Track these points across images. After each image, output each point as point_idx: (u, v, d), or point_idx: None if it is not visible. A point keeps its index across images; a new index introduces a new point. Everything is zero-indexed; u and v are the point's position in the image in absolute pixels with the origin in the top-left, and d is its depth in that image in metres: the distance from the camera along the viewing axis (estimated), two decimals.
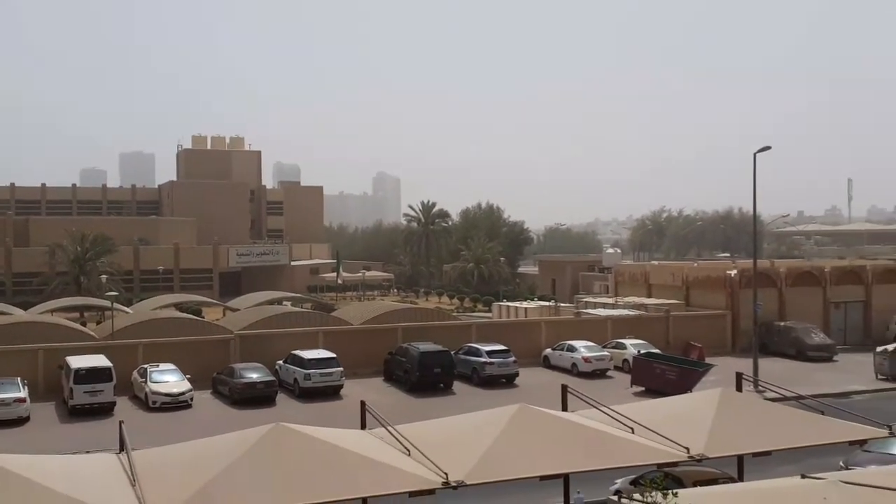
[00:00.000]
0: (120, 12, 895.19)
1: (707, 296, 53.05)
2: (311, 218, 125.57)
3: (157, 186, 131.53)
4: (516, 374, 40.95)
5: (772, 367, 41.94)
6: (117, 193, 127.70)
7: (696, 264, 63.96)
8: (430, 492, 13.29)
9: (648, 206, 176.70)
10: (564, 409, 18.58)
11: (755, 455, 16.01)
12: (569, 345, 44.18)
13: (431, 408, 32.89)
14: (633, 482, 19.11)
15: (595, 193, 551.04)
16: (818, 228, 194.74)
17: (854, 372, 42.96)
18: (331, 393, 37.85)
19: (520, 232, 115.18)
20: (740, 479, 17.53)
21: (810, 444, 16.07)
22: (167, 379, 36.47)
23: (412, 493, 13.19)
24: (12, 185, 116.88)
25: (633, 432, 15.80)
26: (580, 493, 19.05)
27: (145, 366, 37.60)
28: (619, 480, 20.32)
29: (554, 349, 45.16)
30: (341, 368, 38.50)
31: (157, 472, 13.40)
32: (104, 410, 34.44)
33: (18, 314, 54.68)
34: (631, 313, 51.51)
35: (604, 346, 44.77)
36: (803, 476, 13.24)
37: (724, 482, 17.22)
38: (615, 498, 16.69)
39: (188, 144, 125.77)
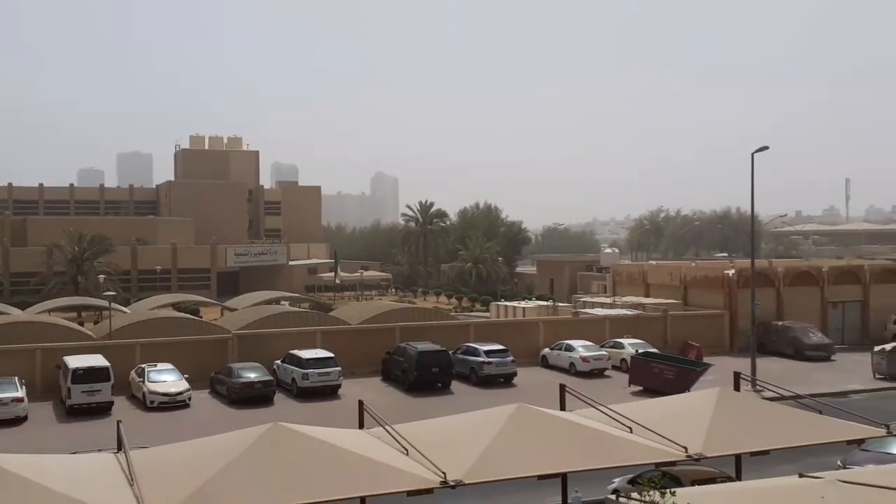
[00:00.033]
0: (118, 12, 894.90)
1: (705, 295, 53.08)
2: (309, 218, 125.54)
3: (154, 186, 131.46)
4: (514, 374, 40.94)
5: (770, 367, 41.96)
6: (115, 193, 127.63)
7: (693, 264, 63.98)
8: (429, 491, 13.29)
9: (646, 206, 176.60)
10: (562, 408, 18.58)
11: (753, 454, 16.03)
12: (567, 344, 44.18)
13: (429, 407, 32.88)
14: (631, 481, 19.12)
15: (593, 193, 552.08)
16: (816, 228, 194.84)
17: (852, 371, 42.99)
18: (329, 392, 37.83)
19: (518, 232, 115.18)
20: (738, 478, 17.55)
21: (808, 443, 16.09)
22: (165, 379, 36.44)
23: (410, 493, 13.20)
24: (10, 184, 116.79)
25: (631, 432, 15.81)
26: (578, 493, 19.05)
27: (143, 365, 37.57)
28: (616, 480, 20.34)
29: (552, 349, 45.16)
30: (339, 368, 38.48)
31: (155, 471, 13.39)
32: (102, 410, 34.40)
33: (16, 314, 54.64)
34: (629, 313, 51.53)
35: (602, 346, 44.77)
36: (801, 475, 13.24)
37: (721, 481, 17.23)
38: (613, 497, 16.75)
39: (186, 144, 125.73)
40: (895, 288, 54.46)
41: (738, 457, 17.36)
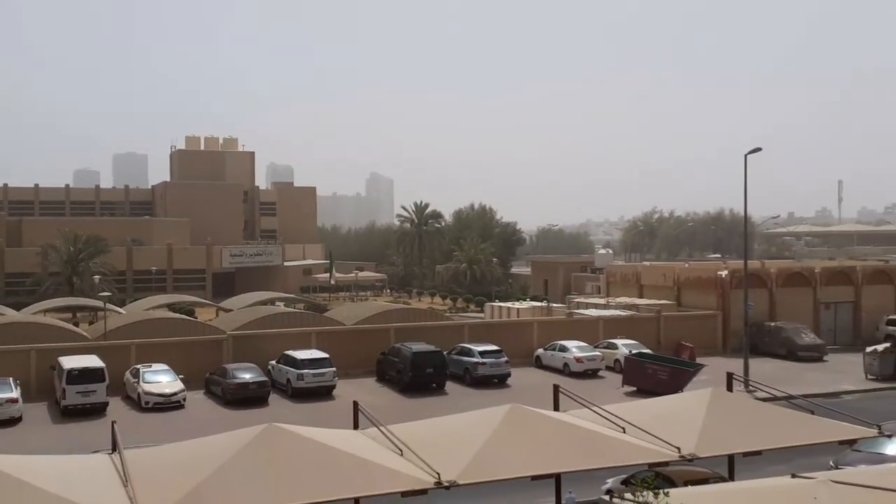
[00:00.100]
0: (114, 12, 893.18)
1: (698, 296, 53.19)
2: (305, 219, 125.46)
3: (150, 187, 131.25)
4: (508, 375, 40.99)
5: (762, 367, 42.08)
6: (110, 194, 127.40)
7: (687, 265, 64.05)
8: (423, 492, 13.32)
9: (640, 208, 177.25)
10: (556, 408, 18.62)
11: (746, 455, 16.09)
12: (561, 345, 44.25)
13: (424, 408, 32.92)
14: (625, 482, 19.18)
15: (587, 195, 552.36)
16: (809, 230, 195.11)
17: (844, 372, 43.12)
18: (323, 393, 37.84)
19: (512, 233, 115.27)
20: (731, 478, 17.61)
21: (800, 443, 16.14)
22: (160, 379, 36.40)
23: (404, 493, 13.22)
24: (5, 185, 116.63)
25: (624, 432, 15.86)
26: (572, 493, 19.11)
27: (138, 366, 37.53)
28: (610, 480, 20.40)
29: (546, 349, 45.22)
30: (334, 369, 38.49)
31: (150, 472, 13.40)
32: (96, 411, 34.35)
33: (11, 314, 54.52)
34: (622, 314, 51.60)
35: (595, 347, 44.84)
36: (793, 475, 13.30)
37: (714, 482, 17.30)
38: (607, 497, 16.79)
39: (181, 145, 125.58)
40: (887, 289, 54.68)
41: (730, 457, 17.42)
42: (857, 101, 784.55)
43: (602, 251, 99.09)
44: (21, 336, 40.91)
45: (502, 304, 65.25)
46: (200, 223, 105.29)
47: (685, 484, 17.16)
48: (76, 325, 55.76)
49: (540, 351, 45.64)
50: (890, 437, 19.10)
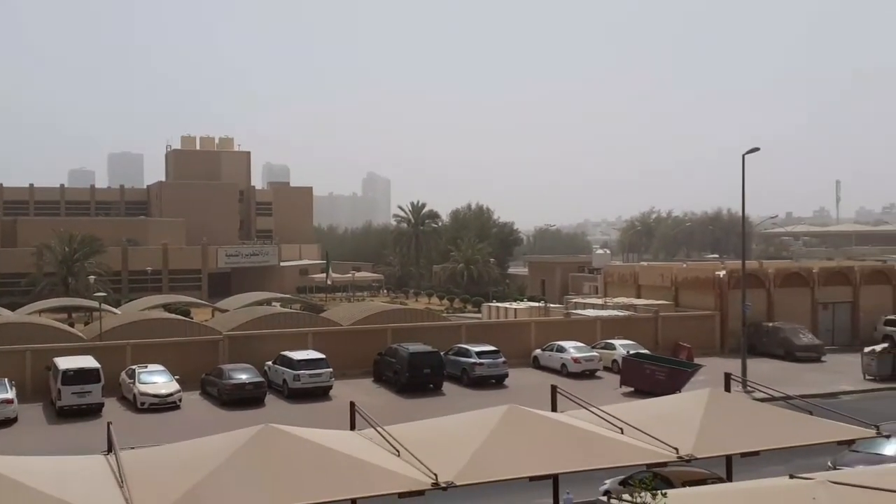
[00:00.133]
0: (110, 12, 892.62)
1: (696, 296, 53.18)
2: (301, 219, 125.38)
3: (145, 187, 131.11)
4: (506, 375, 40.94)
5: (760, 368, 42.07)
6: (106, 194, 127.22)
7: (685, 265, 64.07)
8: (420, 493, 13.26)
9: (638, 208, 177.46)
10: (554, 409, 18.57)
11: (744, 455, 16.04)
12: (558, 345, 44.21)
13: (421, 409, 32.85)
14: (623, 482, 19.13)
15: (584, 195, 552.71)
16: (806, 230, 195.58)
17: (842, 372, 43.12)
18: (320, 394, 37.77)
19: (510, 233, 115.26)
20: (729, 479, 17.57)
21: (798, 444, 16.11)
22: (155, 380, 36.31)
23: (401, 495, 13.16)
24: (0, 185, 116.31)
25: (622, 433, 15.81)
26: (569, 494, 19.05)
27: (133, 367, 37.44)
28: (608, 481, 20.34)
29: (543, 350, 45.17)
30: (330, 369, 38.41)
31: (146, 473, 13.34)
32: (92, 412, 34.27)
33: (6, 315, 54.35)
34: (620, 314, 51.58)
35: (593, 347, 44.81)
36: (792, 476, 13.26)
37: (712, 482, 17.25)
38: (604, 498, 16.71)
39: (177, 145, 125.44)
40: (885, 289, 54.71)
41: (728, 458, 17.38)
42: (856, 101, 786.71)
43: (600, 251, 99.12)
44: (16, 336, 40.79)
45: (499, 304, 65.25)
46: (196, 223, 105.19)
47: (683, 484, 17.12)
48: (71, 325, 55.62)
49: (537, 351, 45.60)
50: (888, 437, 19.07)
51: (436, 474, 13.30)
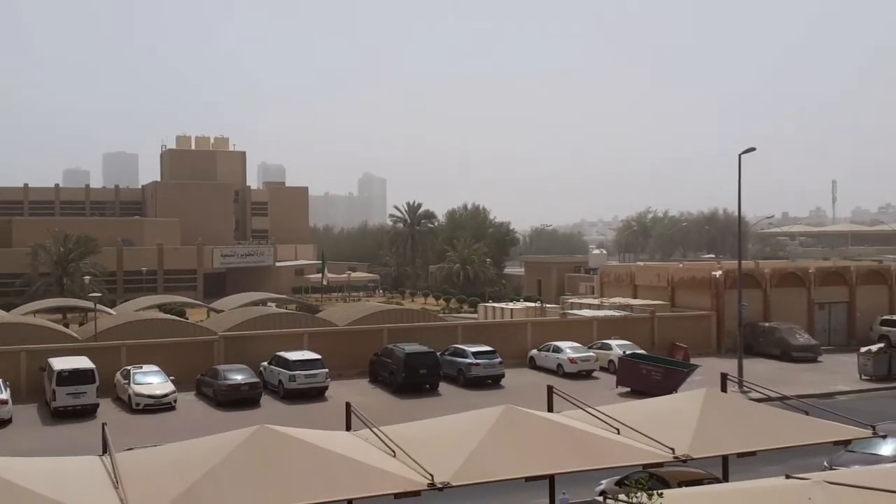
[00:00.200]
0: (106, 11, 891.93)
1: (692, 296, 53.21)
2: (296, 219, 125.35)
3: (140, 187, 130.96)
4: (502, 375, 40.93)
5: (756, 368, 42.11)
6: (100, 194, 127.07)
7: (681, 265, 64.10)
8: (416, 493, 13.23)
9: (634, 207, 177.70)
10: (550, 409, 18.55)
11: (740, 455, 16.04)
12: (554, 346, 44.20)
13: (417, 409, 32.81)
14: (619, 483, 19.11)
15: (581, 195, 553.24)
16: (803, 230, 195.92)
17: (838, 372, 43.17)
18: (315, 394, 37.71)
19: (506, 233, 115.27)
20: (725, 479, 17.56)
21: (795, 444, 16.10)
22: (150, 381, 36.23)
23: (397, 495, 13.13)
24: None
25: (618, 433, 15.80)
26: (566, 494, 19.02)
27: (128, 367, 37.36)
28: (604, 481, 20.33)
29: (540, 350, 45.17)
30: (326, 370, 38.37)
31: (141, 474, 13.30)
32: (87, 412, 34.17)
33: (0, 315, 54.24)
34: (616, 314, 51.60)
35: (589, 347, 44.82)
36: (788, 476, 13.25)
37: (709, 482, 17.24)
38: (600, 499, 16.68)
39: (172, 145, 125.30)
40: (881, 289, 54.79)
41: (724, 458, 17.37)
42: (852, 101, 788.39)
43: (596, 251, 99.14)
44: (11, 337, 40.70)
45: (496, 304, 65.22)
46: (191, 223, 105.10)
47: (679, 485, 17.12)
48: (66, 325, 55.54)
49: (534, 352, 45.60)
50: (884, 437, 19.07)
51: (432, 475, 13.28)
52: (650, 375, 37.31)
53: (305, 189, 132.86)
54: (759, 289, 51.69)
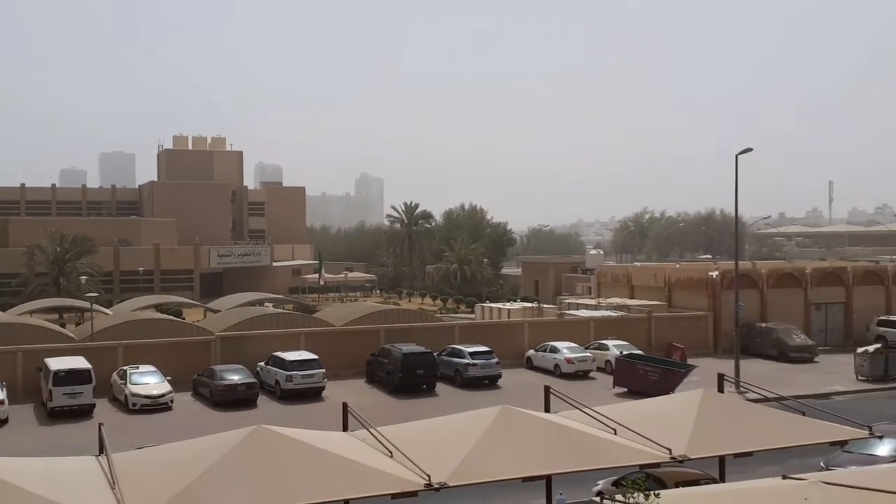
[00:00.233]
0: (103, 12, 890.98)
1: (689, 297, 53.23)
2: (293, 219, 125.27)
3: (137, 187, 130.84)
4: (499, 376, 40.92)
5: (753, 368, 42.13)
6: (97, 194, 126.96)
7: (678, 265, 64.16)
8: (413, 494, 13.22)
9: (631, 208, 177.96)
10: (547, 410, 18.55)
11: (737, 456, 16.05)
12: (551, 346, 44.19)
13: (414, 409, 32.81)
14: (616, 483, 19.10)
15: (579, 195, 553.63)
16: (799, 230, 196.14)
17: (835, 373, 43.22)
18: (312, 395, 37.68)
19: (503, 233, 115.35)
20: (722, 479, 17.56)
21: (791, 444, 16.11)
22: (147, 381, 36.18)
23: (394, 496, 13.13)
24: None
25: (615, 433, 15.80)
26: (562, 495, 19.02)
27: (125, 367, 37.31)
28: (601, 482, 20.33)
29: (537, 350, 45.17)
30: (323, 370, 38.34)
31: (137, 474, 13.28)
32: (83, 412, 34.12)
33: None
34: (613, 314, 51.61)
35: (586, 348, 44.81)
36: (784, 477, 13.26)
37: (705, 483, 17.25)
38: (597, 499, 16.70)
39: (169, 144, 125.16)
40: (878, 290, 54.84)
41: (721, 458, 17.37)
42: (849, 102, 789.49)
43: (593, 251, 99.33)
44: (7, 337, 40.62)
45: (493, 304, 65.25)
46: (188, 223, 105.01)
47: (676, 485, 17.12)
48: (63, 326, 55.49)
49: (531, 352, 45.59)
50: (880, 438, 19.10)
51: (429, 475, 13.27)
52: (647, 376, 37.31)
53: (302, 189, 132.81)
54: (756, 289, 51.72)
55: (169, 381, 36.60)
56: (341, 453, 13.88)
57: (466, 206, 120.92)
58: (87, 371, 34.73)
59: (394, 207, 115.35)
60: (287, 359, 38.37)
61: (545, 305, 63.64)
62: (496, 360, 41.14)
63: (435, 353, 40.77)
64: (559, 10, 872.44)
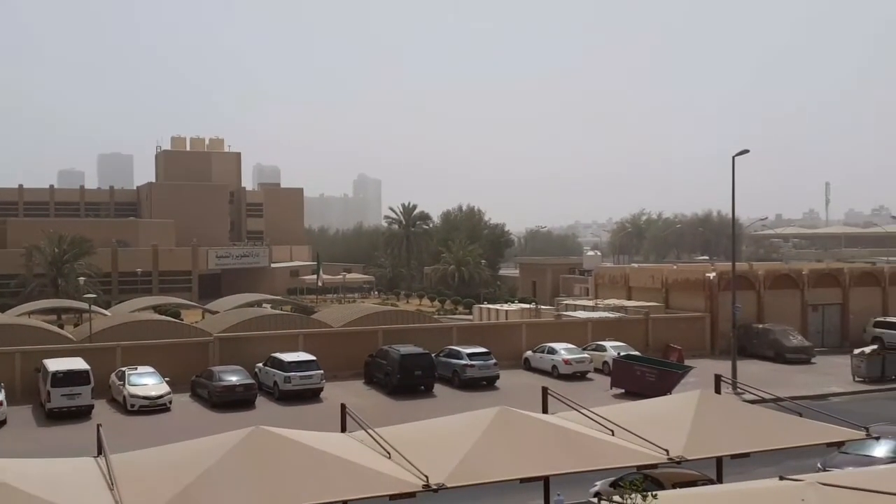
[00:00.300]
0: (99, 13, 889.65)
1: (686, 298, 53.28)
2: (292, 220, 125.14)
3: (135, 188, 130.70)
4: (497, 377, 40.95)
5: (750, 369, 42.16)
6: (95, 195, 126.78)
7: (675, 267, 64.25)
8: (411, 495, 13.24)
9: (628, 209, 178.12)
10: (545, 411, 18.57)
11: (734, 457, 16.08)
12: (549, 347, 44.23)
13: (412, 410, 32.83)
14: (613, 484, 19.14)
15: (578, 195, 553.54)
16: (796, 231, 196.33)
17: (832, 374, 43.28)
18: (311, 396, 37.70)
19: (501, 234, 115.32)
20: (719, 480, 17.60)
21: (788, 445, 16.15)
22: (145, 382, 36.19)
23: (392, 497, 13.14)
24: None
25: (612, 434, 15.82)
26: (560, 496, 19.05)
27: (123, 369, 37.31)
28: (598, 482, 20.36)
29: (534, 351, 45.20)
30: (321, 371, 38.35)
31: (135, 475, 13.28)
32: (82, 414, 34.14)
33: None
34: (611, 315, 51.65)
35: (584, 349, 44.86)
36: (781, 478, 13.29)
37: (703, 484, 17.29)
38: (595, 500, 16.75)
39: (167, 146, 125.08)
40: (874, 291, 54.90)
41: (719, 459, 17.41)
42: (846, 103, 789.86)
43: (590, 253, 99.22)
44: (5, 338, 40.60)
45: (490, 306, 65.25)
46: (186, 224, 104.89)
47: (674, 486, 17.15)
48: (61, 327, 55.38)
49: (528, 353, 45.63)
50: (877, 439, 19.14)
51: (427, 476, 13.29)
52: (644, 377, 37.36)
53: (300, 190, 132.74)
54: (753, 290, 51.78)
55: (167, 382, 36.61)
56: (339, 454, 13.89)
57: (464, 208, 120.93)
58: (86, 372, 34.74)
59: (392, 209, 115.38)
60: (285, 360, 38.38)
61: (543, 307, 63.67)
62: (494, 361, 41.17)
63: (433, 355, 40.82)
64: (559, 10, 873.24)
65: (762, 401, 20.67)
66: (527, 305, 64.18)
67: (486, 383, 40.64)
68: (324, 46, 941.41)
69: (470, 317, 67.89)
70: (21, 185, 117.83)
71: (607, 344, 44.84)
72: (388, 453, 14.32)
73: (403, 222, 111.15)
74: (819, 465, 22.15)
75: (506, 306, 63.55)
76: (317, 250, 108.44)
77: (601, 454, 15.15)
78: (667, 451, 15.06)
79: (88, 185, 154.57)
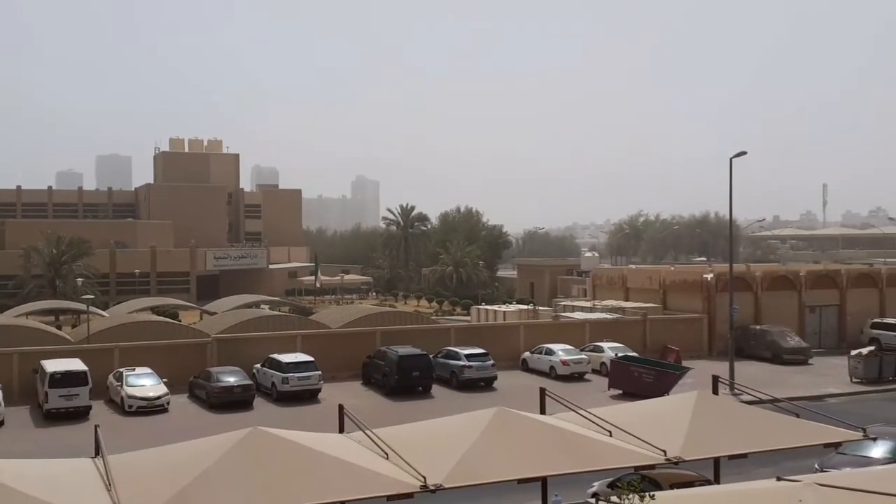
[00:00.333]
0: (105, 12, 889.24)
1: (684, 299, 53.32)
2: (290, 221, 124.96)
3: (133, 189, 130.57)
4: (495, 378, 40.96)
5: (748, 370, 42.16)
6: (93, 196, 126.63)
7: (673, 268, 64.28)
8: (409, 495, 13.26)
9: (626, 210, 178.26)
10: (542, 412, 18.59)
11: (731, 458, 16.10)
12: (547, 348, 44.25)
13: (410, 411, 32.83)
14: (611, 485, 19.15)
15: (577, 196, 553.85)
16: (794, 233, 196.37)
17: (829, 375, 43.32)
18: (309, 397, 37.70)
19: (498, 235, 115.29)
20: (717, 481, 17.62)
21: (786, 446, 16.18)
22: (143, 383, 36.16)
23: (390, 497, 13.16)
24: None
25: (610, 435, 15.84)
26: (558, 496, 19.06)
27: (121, 370, 37.28)
28: (596, 483, 20.37)
29: (532, 352, 45.21)
30: (319, 372, 38.34)
31: (133, 476, 13.29)
32: (80, 415, 34.11)
33: None
34: (609, 317, 51.67)
35: (582, 350, 44.87)
36: (779, 478, 13.32)
37: (700, 485, 17.31)
38: (592, 501, 16.76)
39: (165, 147, 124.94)
40: (871, 292, 54.94)
41: (716, 460, 17.43)
42: (843, 105, 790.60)
43: (588, 254, 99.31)
44: (3, 339, 40.59)
45: (488, 307, 65.22)
46: (184, 226, 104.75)
47: (671, 487, 17.17)
48: (59, 328, 55.33)
49: (526, 354, 45.63)
50: (874, 440, 19.19)
51: (424, 477, 13.31)
52: (642, 378, 37.38)
53: (299, 192, 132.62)
54: (751, 292, 51.82)
55: (165, 383, 36.57)
56: (337, 455, 13.91)
57: (462, 209, 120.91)
58: (84, 373, 34.72)
59: (390, 210, 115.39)
60: (283, 361, 38.37)
61: (541, 308, 63.69)
62: (492, 362, 41.18)
63: (431, 356, 40.82)
64: (559, 10, 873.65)
65: (759, 402, 20.70)
66: (524, 306, 64.18)
67: (483, 384, 40.66)
68: (324, 46, 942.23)
69: (468, 318, 67.86)
70: (19, 187, 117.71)
71: (605, 345, 44.86)
72: (386, 454, 14.34)
73: (401, 223, 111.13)
74: (816, 465, 22.18)
75: (504, 307, 63.57)
76: (315, 251, 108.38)
77: (599, 455, 15.18)
78: (664, 451, 15.08)
79: (87, 187, 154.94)
